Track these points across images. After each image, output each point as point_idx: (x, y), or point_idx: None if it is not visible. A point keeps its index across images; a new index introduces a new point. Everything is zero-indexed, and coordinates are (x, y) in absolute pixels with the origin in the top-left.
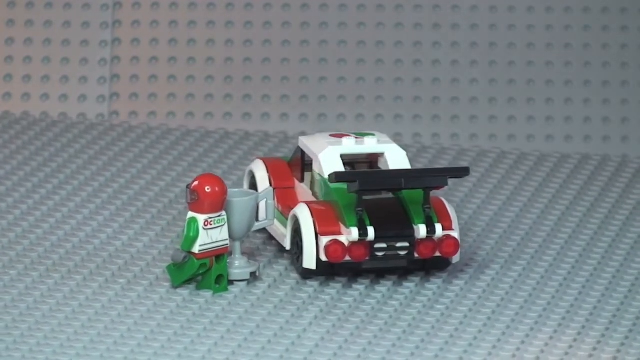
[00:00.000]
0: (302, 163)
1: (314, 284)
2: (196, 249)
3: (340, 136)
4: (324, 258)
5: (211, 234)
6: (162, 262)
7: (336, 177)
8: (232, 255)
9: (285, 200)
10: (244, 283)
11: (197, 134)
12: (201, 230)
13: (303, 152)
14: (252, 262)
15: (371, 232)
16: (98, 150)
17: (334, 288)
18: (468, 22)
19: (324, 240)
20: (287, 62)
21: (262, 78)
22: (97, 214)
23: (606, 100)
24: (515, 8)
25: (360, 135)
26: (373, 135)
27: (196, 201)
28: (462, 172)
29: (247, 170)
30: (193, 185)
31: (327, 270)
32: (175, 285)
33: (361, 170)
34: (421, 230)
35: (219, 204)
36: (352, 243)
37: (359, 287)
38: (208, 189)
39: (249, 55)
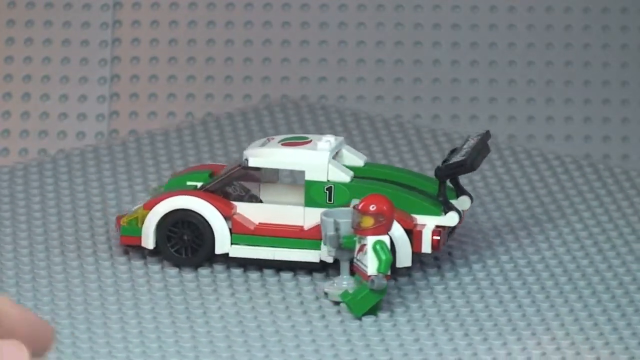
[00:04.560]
0: (259, 182)
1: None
2: (388, 270)
3: (293, 144)
4: (427, 250)
5: None
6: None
7: (471, 163)
8: (341, 276)
9: (250, 223)
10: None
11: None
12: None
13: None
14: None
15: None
16: (99, 157)
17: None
18: (468, 22)
19: (427, 232)
20: (287, 62)
21: (262, 78)
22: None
23: (606, 101)
24: (515, 8)
25: (299, 138)
26: (306, 137)
27: (382, 223)
28: (487, 136)
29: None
30: (374, 207)
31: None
32: (359, 316)
33: (458, 159)
34: (467, 203)
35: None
36: (443, 229)
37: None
38: (388, 209)
39: (249, 55)
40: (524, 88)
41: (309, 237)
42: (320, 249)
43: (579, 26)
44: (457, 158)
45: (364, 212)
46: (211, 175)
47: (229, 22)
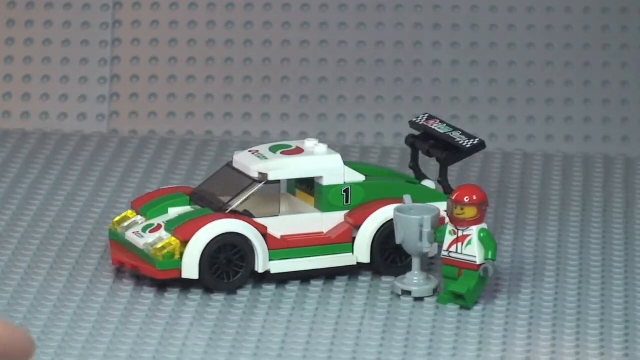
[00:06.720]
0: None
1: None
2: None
3: (290, 152)
4: None
5: None
6: None
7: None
8: (412, 272)
9: (279, 239)
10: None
11: (197, 141)
12: None
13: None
14: (431, 277)
15: None
16: (100, 154)
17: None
18: (468, 22)
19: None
20: (287, 62)
21: (262, 78)
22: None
23: (606, 101)
24: (515, 8)
25: (287, 147)
26: (289, 144)
27: (484, 211)
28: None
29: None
30: (468, 199)
31: None
32: (472, 306)
33: (476, 142)
34: (432, 185)
35: None
36: None
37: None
38: (486, 196)
39: (249, 55)
40: (524, 88)
41: (338, 242)
42: (352, 252)
43: (579, 26)
44: (472, 140)
45: (462, 202)
46: (191, 199)
47: (229, 22)
